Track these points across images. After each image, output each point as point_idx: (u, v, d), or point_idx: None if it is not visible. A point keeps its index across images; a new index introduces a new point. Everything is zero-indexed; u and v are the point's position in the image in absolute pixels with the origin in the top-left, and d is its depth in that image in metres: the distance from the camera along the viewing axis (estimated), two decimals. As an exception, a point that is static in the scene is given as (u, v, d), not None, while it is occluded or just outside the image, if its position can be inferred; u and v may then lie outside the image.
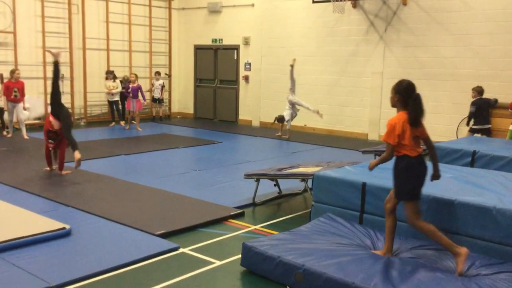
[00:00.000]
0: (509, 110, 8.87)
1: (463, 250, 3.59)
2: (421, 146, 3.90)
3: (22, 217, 5.05)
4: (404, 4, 10.65)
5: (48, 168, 7.25)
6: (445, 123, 10.31)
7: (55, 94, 7.01)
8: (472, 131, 9.20)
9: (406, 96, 3.83)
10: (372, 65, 11.30)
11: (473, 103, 9.20)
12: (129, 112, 12.27)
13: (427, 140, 3.93)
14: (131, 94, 12.02)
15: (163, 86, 13.87)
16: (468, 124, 9.24)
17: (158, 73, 13.80)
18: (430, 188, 4.42)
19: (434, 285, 3.37)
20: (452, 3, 10.07)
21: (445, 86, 10.30)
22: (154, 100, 13.85)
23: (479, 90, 9.25)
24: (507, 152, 6.47)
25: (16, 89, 10.16)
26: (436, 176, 3.99)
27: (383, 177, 4.88)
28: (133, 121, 12.43)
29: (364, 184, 4.67)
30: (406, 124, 3.77)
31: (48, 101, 12.15)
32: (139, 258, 4.21)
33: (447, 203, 4.15)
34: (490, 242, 3.94)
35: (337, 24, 11.71)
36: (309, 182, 6.05)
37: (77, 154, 6.74)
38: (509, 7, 9.42)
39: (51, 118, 6.95)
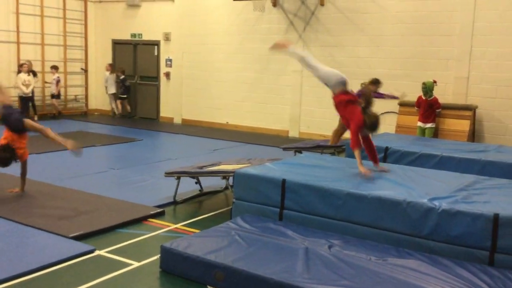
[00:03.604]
0: (415, 108, 9.42)
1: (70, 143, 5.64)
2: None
3: None
4: (322, 4, 10.94)
5: None
6: (361, 120, 10.72)
7: None
8: None
9: None
10: (292, 64, 11.49)
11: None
12: None
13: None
14: None
15: (58, 81, 13.16)
16: None
17: (54, 67, 13.08)
18: (344, 183, 4.58)
19: (354, 273, 3.49)
20: (366, 5, 10.48)
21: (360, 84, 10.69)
22: (53, 96, 13.17)
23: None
24: (417, 148, 6.84)
25: None
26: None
27: (303, 173, 4.99)
28: None
29: (284, 181, 4.74)
30: None
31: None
32: (50, 263, 3.98)
33: (361, 197, 4.31)
34: (401, 234, 4.14)
35: (258, 22, 11.81)
36: (231, 179, 6.05)
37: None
38: (418, 9, 9.96)
39: None
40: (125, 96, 13.63)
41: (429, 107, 9.14)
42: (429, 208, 4.01)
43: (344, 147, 7.78)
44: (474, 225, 3.85)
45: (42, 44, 13.20)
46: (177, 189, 6.01)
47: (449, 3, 9.65)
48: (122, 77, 13.50)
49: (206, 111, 12.85)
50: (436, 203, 4.05)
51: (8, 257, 4.10)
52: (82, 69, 14.24)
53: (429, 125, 9.14)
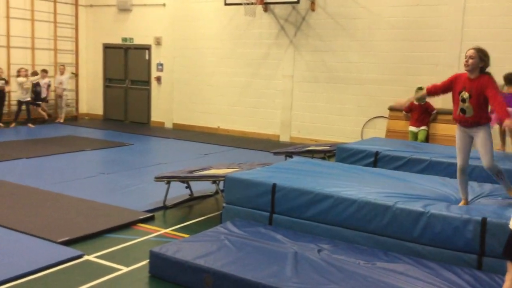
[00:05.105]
0: (404, 113, 9.50)
1: None
2: None
3: None
4: (313, 10, 10.99)
5: None
6: (351, 125, 10.77)
7: None
8: None
9: None
10: (283, 68, 11.55)
11: None
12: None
13: None
14: None
15: (49, 85, 13.05)
16: None
17: (44, 71, 12.96)
18: (334, 188, 4.60)
19: (343, 277, 3.50)
20: (357, 11, 10.54)
21: (350, 89, 10.76)
22: (42, 100, 13.02)
23: None
24: (406, 153, 6.88)
25: None
26: None
27: (292, 178, 5.00)
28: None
29: (274, 185, 4.75)
30: None
31: None
32: (38, 268, 3.95)
33: (350, 202, 4.33)
34: (391, 238, 4.17)
35: (249, 27, 11.83)
36: (221, 184, 6.05)
37: None
38: (408, 15, 10.04)
39: None
40: (39, 102, 12.75)
41: (423, 111, 9.25)
42: (419, 213, 4.04)
43: (335, 151, 7.81)
44: (462, 230, 3.87)
45: (33, 48, 13.12)
46: (167, 193, 5.98)
47: (439, 9, 9.74)
48: (36, 81, 12.64)
49: (197, 115, 12.84)
50: (425, 207, 4.08)
51: (-5, 262, 4.07)
52: (72, 73, 14.17)
53: (422, 127, 9.27)
